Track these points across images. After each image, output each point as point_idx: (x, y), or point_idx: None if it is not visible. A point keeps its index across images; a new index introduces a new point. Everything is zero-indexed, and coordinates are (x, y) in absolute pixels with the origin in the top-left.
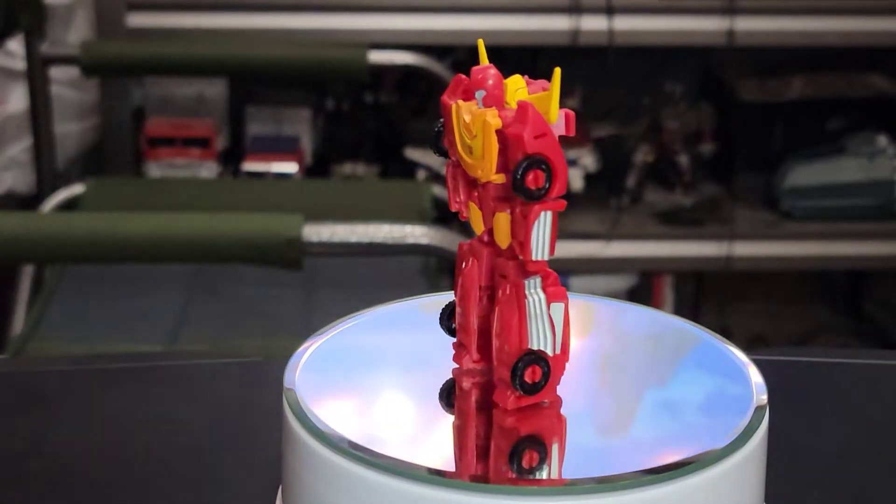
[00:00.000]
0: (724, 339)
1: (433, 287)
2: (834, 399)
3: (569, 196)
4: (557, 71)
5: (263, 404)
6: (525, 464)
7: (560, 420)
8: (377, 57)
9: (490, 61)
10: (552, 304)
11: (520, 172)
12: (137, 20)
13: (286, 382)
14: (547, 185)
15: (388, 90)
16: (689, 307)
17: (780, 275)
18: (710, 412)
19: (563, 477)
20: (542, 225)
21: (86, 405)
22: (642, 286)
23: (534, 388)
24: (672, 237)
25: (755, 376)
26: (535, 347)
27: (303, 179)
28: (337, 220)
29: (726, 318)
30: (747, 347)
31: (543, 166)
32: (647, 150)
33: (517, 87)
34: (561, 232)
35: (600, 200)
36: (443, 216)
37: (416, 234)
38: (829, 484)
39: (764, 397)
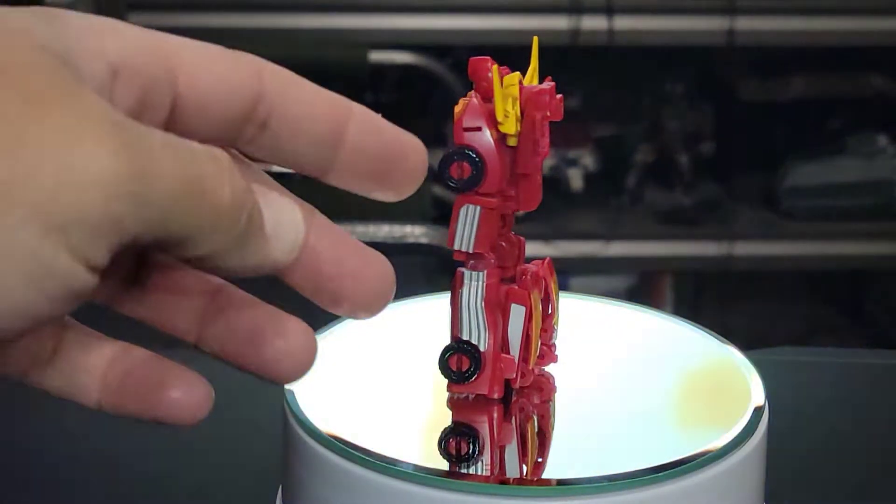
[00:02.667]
0: (724, 339)
1: (433, 287)
2: (834, 399)
3: (569, 196)
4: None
5: (263, 404)
6: (451, 450)
7: (501, 414)
8: (377, 57)
9: (497, 61)
10: (512, 305)
11: (443, 161)
12: (138, 20)
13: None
14: (473, 179)
15: (388, 90)
16: (688, 307)
17: (780, 275)
18: (710, 412)
19: (548, 476)
20: (468, 218)
21: (86, 405)
22: (642, 286)
23: (459, 377)
24: (672, 237)
25: (755, 376)
26: (464, 337)
27: (303, 179)
28: (337, 221)
29: (726, 318)
30: (747, 347)
31: (465, 158)
32: (647, 150)
33: (511, 83)
34: (561, 232)
35: (600, 200)
36: (443, 216)
37: (416, 234)
38: (829, 484)
39: (763, 397)
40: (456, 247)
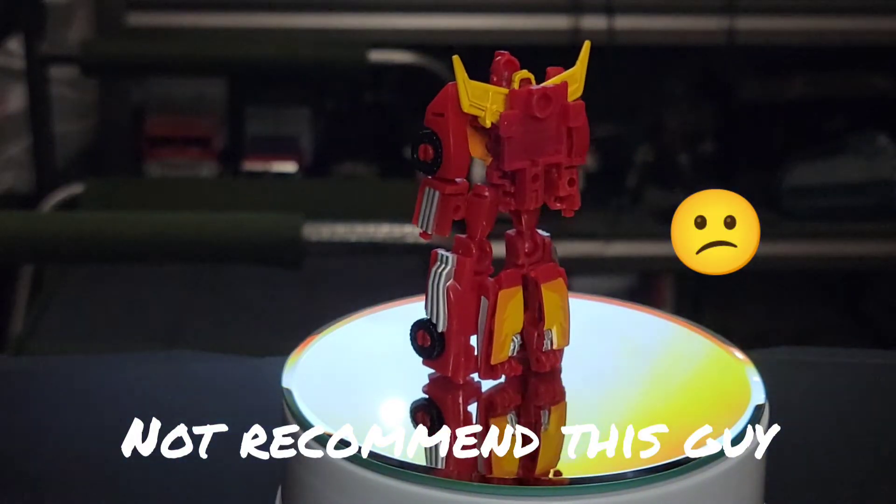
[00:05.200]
0: (724, 339)
1: None
2: (834, 399)
3: None
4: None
5: (263, 404)
6: (417, 421)
7: (465, 400)
8: (377, 56)
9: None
10: (482, 298)
11: (413, 142)
12: (137, 19)
13: (285, 382)
14: (434, 163)
15: (388, 90)
16: (689, 307)
17: (780, 275)
18: (710, 412)
19: (557, 477)
20: (429, 200)
21: (86, 405)
22: (642, 286)
23: (421, 352)
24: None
25: (755, 376)
26: (426, 314)
27: (303, 179)
28: (337, 220)
29: (726, 318)
30: (747, 347)
31: (430, 141)
32: (647, 150)
33: (519, 78)
34: (561, 231)
35: (600, 200)
36: None
37: (416, 234)
38: (829, 484)
39: (763, 397)
40: (418, 226)
